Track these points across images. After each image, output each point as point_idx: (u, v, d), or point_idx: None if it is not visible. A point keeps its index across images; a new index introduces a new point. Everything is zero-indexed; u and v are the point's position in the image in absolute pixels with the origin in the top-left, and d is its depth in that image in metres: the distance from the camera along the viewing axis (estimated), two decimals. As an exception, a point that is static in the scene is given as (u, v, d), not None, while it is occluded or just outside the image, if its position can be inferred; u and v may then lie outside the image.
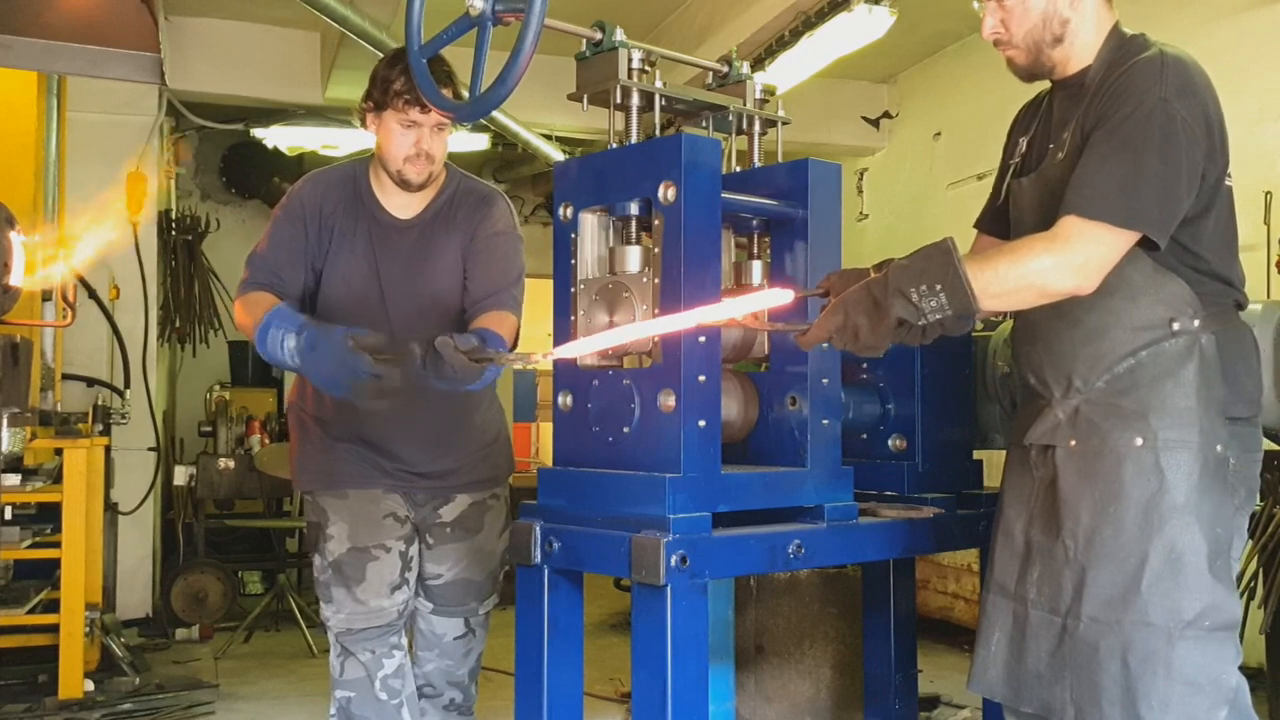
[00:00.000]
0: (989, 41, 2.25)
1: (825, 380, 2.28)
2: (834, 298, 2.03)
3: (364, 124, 2.80)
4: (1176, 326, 2.06)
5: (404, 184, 2.77)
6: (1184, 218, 2.03)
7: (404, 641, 2.82)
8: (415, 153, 2.72)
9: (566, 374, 2.25)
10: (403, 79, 2.63)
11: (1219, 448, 2.05)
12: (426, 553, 2.89)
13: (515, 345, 2.68)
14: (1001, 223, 2.38)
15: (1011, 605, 2.20)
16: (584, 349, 2.14)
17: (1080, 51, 2.18)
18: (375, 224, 2.82)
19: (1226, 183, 2.13)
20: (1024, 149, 2.35)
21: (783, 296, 1.96)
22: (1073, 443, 2.12)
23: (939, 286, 1.91)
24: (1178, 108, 1.99)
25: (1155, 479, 2.03)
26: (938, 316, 1.94)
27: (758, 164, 2.56)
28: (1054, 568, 2.12)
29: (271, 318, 2.43)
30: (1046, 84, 2.34)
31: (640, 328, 2.06)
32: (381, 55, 3.11)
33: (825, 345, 2.18)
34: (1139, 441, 2.04)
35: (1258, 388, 2.15)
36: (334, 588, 2.75)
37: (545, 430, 9.34)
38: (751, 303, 1.98)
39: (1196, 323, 2.06)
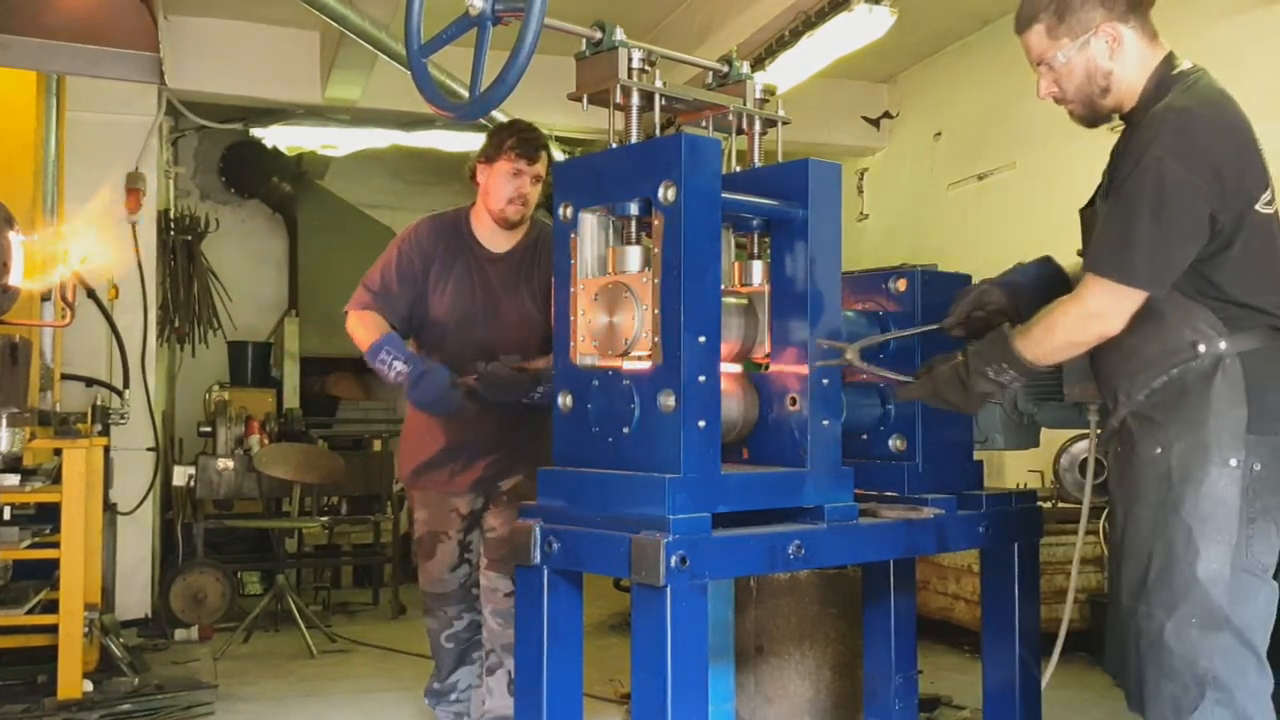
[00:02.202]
0: (1045, 99, 2.43)
1: (825, 381, 2.27)
2: (928, 371, 2.39)
3: (474, 177, 3.53)
4: (1202, 349, 2.21)
5: (504, 221, 3.49)
6: (1205, 253, 2.19)
7: (476, 608, 3.65)
8: (516, 195, 3.45)
9: (566, 374, 2.25)
10: (514, 138, 3.43)
11: (1233, 461, 2.18)
12: (490, 511, 3.62)
13: None
14: None
15: (1112, 594, 2.46)
16: None
17: (1129, 94, 2.34)
18: (474, 258, 3.54)
19: (1262, 210, 2.23)
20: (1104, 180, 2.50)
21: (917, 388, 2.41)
22: (1119, 449, 2.33)
23: (1004, 364, 2.27)
24: (1170, 166, 2.15)
25: (1165, 485, 2.21)
26: (1017, 384, 2.32)
27: (758, 164, 2.56)
28: (1111, 559, 2.41)
29: (384, 342, 3.25)
30: None
31: None
32: (380, 54, 3.39)
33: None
34: (1158, 450, 2.23)
35: None
36: (420, 560, 3.71)
37: (545, 430, 9.32)
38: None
39: (1223, 345, 2.20)
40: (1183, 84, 2.26)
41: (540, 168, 3.46)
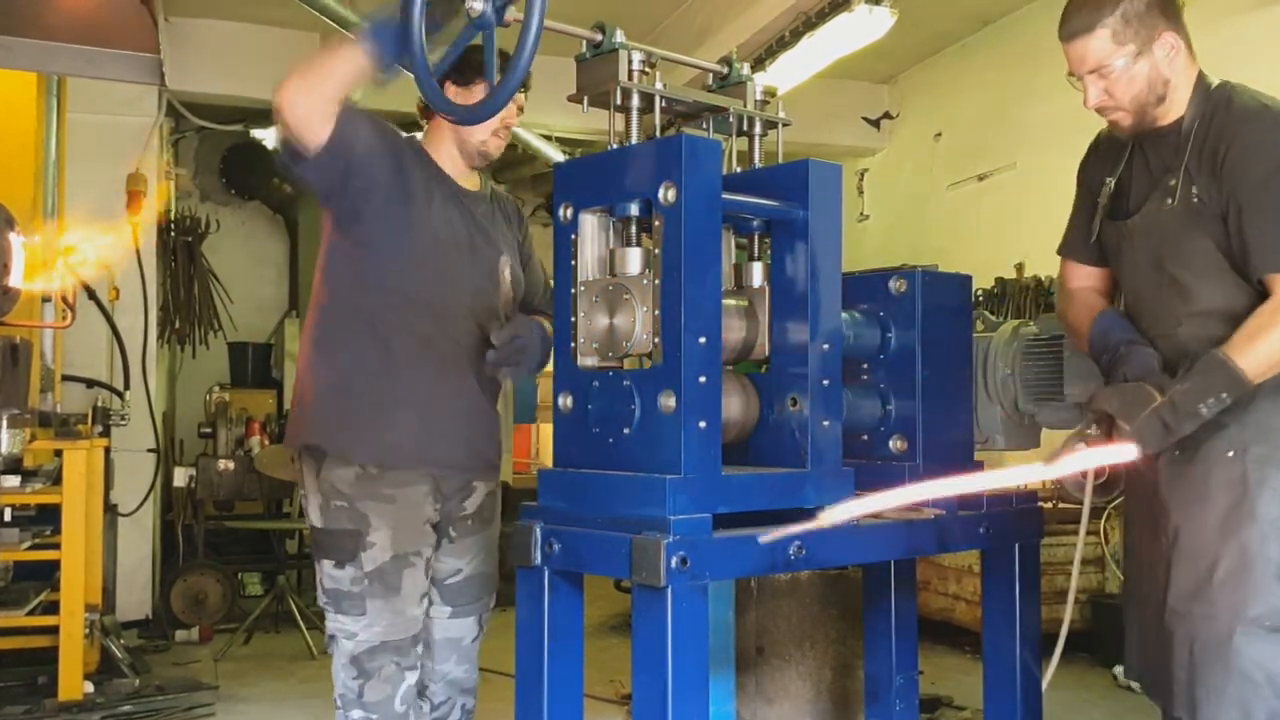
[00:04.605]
0: (1093, 110, 2.38)
1: (826, 381, 2.27)
2: (1119, 420, 2.20)
3: (430, 110, 2.75)
4: None
5: (482, 156, 2.82)
6: None
7: (420, 651, 2.77)
8: (502, 125, 2.78)
9: (567, 375, 2.25)
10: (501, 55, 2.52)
11: None
12: (447, 548, 2.84)
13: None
14: (1100, 254, 2.57)
15: (1135, 600, 2.44)
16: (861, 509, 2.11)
17: (1177, 105, 2.35)
18: (449, 188, 2.81)
19: None
20: (1112, 189, 2.49)
21: (1128, 454, 2.17)
22: (1177, 452, 2.29)
23: (1225, 395, 2.15)
24: None
25: (1240, 488, 2.21)
26: (1217, 410, 2.17)
27: (758, 165, 2.55)
28: (1154, 564, 2.33)
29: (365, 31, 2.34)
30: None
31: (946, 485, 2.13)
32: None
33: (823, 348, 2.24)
34: (1230, 453, 2.23)
35: None
36: (371, 599, 2.65)
37: (545, 431, 9.34)
38: (1088, 461, 2.25)
39: None
40: (1236, 92, 2.31)
41: (522, 94, 2.73)
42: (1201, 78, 2.37)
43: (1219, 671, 2.17)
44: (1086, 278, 2.62)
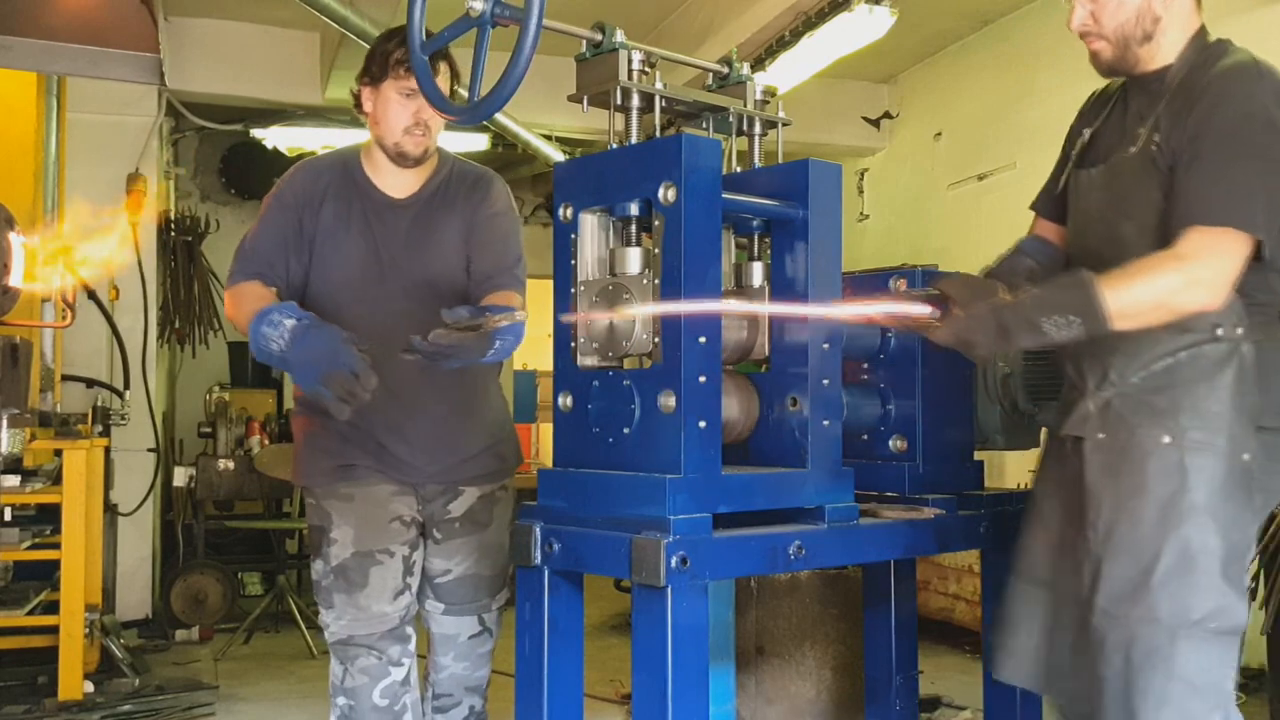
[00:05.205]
0: (1076, 33, 2.24)
1: (826, 381, 2.27)
2: (954, 307, 2.03)
3: (359, 106, 2.80)
4: (1220, 333, 2.06)
5: (401, 157, 2.76)
6: None
7: (413, 650, 2.78)
8: (414, 123, 2.71)
9: (567, 374, 2.25)
10: (402, 49, 2.57)
11: (1245, 456, 2.05)
12: (434, 548, 2.86)
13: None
14: (1060, 209, 2.43)
15: (1044, 595, 2.25)
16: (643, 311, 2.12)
17: (1165, 50, 2.20)
18: (370, 203, 2.79)
19: None
20: (1087, 140, 2.36)
21: (921, 310, 2.06)
22: (1101, 435, 2.14)
23: (1074, 318, 1.96)
24: (1278, 115, 2.03)
25: (1178, 477, 2.04)
26: (1065, 335, 1.99)
27: (758, 164, 2.56)
28: (1078, 559, 2.16)
29: (274, 307, 2.43)
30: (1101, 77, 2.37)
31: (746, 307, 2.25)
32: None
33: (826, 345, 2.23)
34: (1166, 439, 2.06)
35: None
36: (336, 593, 2.73)
37: (545, 431, 9.34)
38: (885, 308, 2.13)
39: (1240, 330, 2.06)
40: (1233, 48, 2.18)
41: (443, 83, 2.66)
42: (1202, 32, 2.22)
43: (1160, 679, 2.01)
44: (1048, 232, 2.49)
